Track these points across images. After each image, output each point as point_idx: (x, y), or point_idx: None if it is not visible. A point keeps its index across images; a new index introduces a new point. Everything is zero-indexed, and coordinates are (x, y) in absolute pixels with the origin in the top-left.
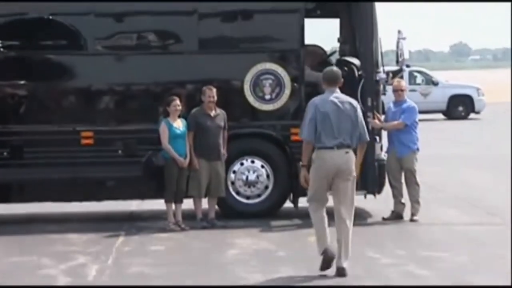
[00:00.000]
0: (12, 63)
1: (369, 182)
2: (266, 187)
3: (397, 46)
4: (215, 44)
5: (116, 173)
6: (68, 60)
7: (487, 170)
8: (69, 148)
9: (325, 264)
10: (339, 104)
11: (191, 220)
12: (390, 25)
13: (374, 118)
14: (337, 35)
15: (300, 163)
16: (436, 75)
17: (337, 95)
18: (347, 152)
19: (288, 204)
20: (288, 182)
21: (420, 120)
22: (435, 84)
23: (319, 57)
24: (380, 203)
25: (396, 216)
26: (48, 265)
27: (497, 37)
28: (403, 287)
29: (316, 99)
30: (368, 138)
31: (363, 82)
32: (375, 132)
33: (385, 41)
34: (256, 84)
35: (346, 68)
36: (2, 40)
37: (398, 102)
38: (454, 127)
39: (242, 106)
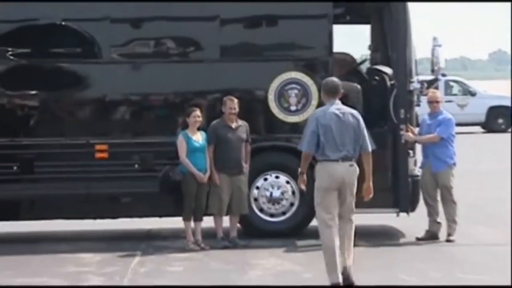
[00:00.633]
0: (22, 72)
1: (402, 199)
2: (292, 204)
3: (432, 54)
4: (237, 52)
5: (131, 189)
6: (82, 69)
7: None
8: (82, 162)
9: None
10: (340, 115)
11: (211, 239)
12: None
13: (407, 130)
14: (368, 42)
15: (299, 170)
16: (474, 84)
17: (338, 107)
18: (351, 165)
19: (314, 223)
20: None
21: (456, 133)
22: (473, 94)
23: (348, 65)
24: (413, 222)
25: (431, 236)
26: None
27: None
28: (405, 287)
29: (317, 112)
30: (370, 149)
31: (396, 92)
32: (408, 146)
33: (420, 48)
34: (281, 95)
35: (377, 78)
36: (11, 48)
37: (434, 114)
38: (493, 140)
39: (266, 117)
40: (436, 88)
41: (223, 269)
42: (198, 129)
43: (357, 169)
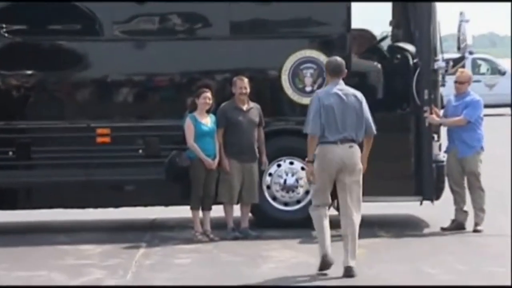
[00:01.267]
0: (18, 50)
1: (426, 186)
2: (307, 192)
3: (459, 30)
4: (248, 29)
5: (135, 176)
6: (82, 47)
7: None
8: (83, 147)
9: (322, 268)
10: (343, 96)
11: (221, 230)
12: (450, 6)
13: (431, 113)
14: (389, 17)
15: (306, 159)
16: (504, 63)
17: (341, 87)
18: (351, 147)
19: (332, 212)
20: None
21: (484, 115)
22: (502, 73)
23: (368, 43)
24: (438, 211)
25: (457, 225)
26: (59, 281)
27: None
28: (410, 287)
29: (319, 92)
30: (375, 132)
31: (419, 72)
32: (432, 129)
33: (445, 24)
34: (296, 74)
35: (399, 56)
36: (5, 24)
37: (460, 95)
38: None
39: (279, 99)
40: (463, 67)
41: (233, 262)
42: (208, 111)
43: (358, 150)
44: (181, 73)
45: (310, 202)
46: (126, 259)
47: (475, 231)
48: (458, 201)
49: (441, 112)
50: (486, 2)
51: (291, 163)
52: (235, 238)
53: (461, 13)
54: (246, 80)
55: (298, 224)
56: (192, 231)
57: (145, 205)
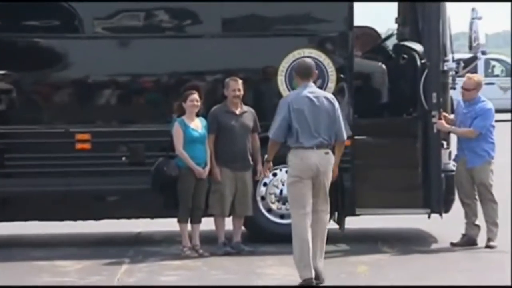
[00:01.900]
0: None
1: (434, 198)
2: None
3: (471, 28)
4: (242, 25)
5: (118, 185)
6: (60, 45)
7: None
8: (61, 155)
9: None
10: (314, 99)
11: (211, 244)
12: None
13: (440, 118)
14: (395, 14)
15: (265, 157)
16: None
17: (312, 90)
18: (326, 153)
19: (332, 225)
20: (333, 197)
21: (497, 121)
22: None
23: (372, 41)
24: (447, 225)
25: (468, 241)
26: None
27: None
28: (410, 287)
29: (288, 96)
30: (345, 137)
31: (427, 73)
32: (441, 136)
33: (456, 21)
34: (293, 76)
35: (405, 56)
36: None
37: (469, 101)
38: None
39: (275, 102)
40: (475, 68)
41: (224, 279)
42: (197, 115)
43: (332, 157)
44: (168, 73)
45: None
46: (108, 276)
47: (487, 246)
48: (469, 214)
49: (452, 116)
50: None
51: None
52: (227, 254)
53: (473, 10)
54: (240, 81)
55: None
56: (179, 246)
57: (129, 217)
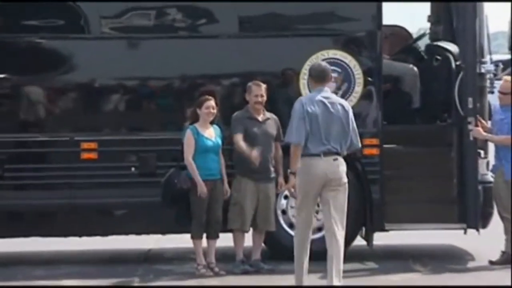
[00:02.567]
0: None
1: (470, 212)
2: None
3: (510, 27)
4: (261, 25)
5: (127, 198)
6: (65, 47)
7: None
8: (65, 165)
9: None
10: (328, 105)
11: (228, 262)
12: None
13: (477, 125)
14: (427, 12)
15: (289, 170)
16: None
17: (327, 95)
18: (335, 159)
19: (359, 241)
20: (360, 211)
21: None
22: None
23: (402, 42)
24: (485, 241)
25: (508, 258)
26: None
27: None
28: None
29: (302, 98)
30: (359, 146)
31: (462, 76)
32: (478, 144)
33: (494, 20)
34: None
35: (439, 57)
36: None
37: (506, 106)
38: None
39: None
40: None
41: None
42: (212, 123)
43: (343, 163)
44: (181, 77)
45: None
46: None
47: None
48: (509, 229)
49: (489, 123)
50: None
51: None
52: (245, 272)
53: None
54: (263, 86)
55: (318, 256)
56: (193, 264)
57: (139, 233)
